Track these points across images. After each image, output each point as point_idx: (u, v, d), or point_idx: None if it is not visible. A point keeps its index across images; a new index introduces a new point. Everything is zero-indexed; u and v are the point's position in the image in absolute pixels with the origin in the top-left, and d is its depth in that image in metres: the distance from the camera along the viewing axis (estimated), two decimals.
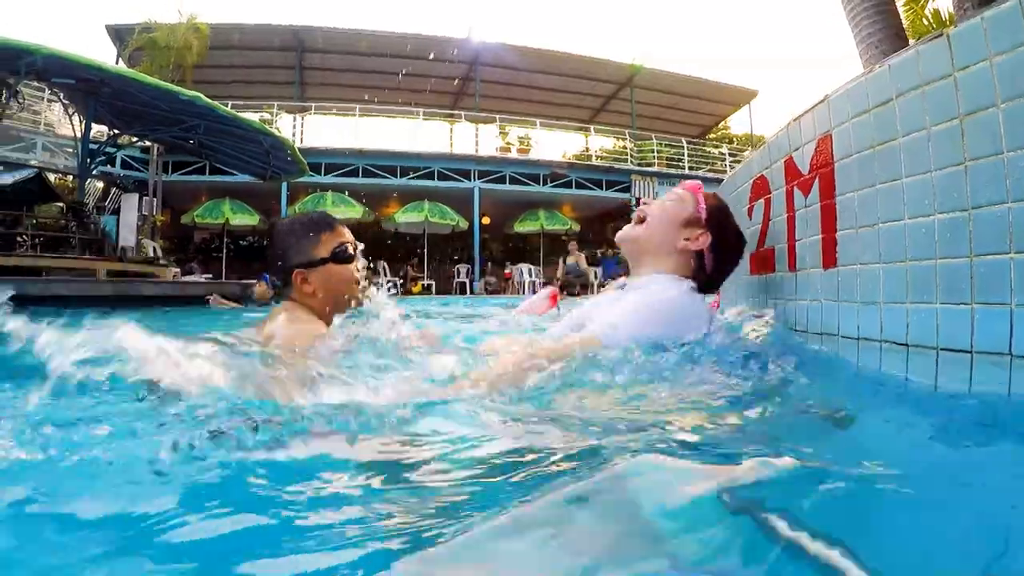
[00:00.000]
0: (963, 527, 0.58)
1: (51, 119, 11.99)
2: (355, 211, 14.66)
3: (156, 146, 12.37)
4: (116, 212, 11.03)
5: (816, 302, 1.36)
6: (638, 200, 13.76)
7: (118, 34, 15.00)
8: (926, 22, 7.71)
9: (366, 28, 16.32)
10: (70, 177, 12.04)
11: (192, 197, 15.21)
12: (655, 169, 17.80)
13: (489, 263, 17.49)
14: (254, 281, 7.37)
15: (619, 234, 1.62)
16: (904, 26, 5.53)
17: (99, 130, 9.58)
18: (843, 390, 1.15)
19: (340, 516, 0.61)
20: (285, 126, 16.74)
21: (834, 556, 0.49)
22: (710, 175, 17.34)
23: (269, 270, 1.45)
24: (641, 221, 1.58)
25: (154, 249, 10.81)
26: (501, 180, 16.04)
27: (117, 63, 13.69)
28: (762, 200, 1.73)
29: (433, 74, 17.57)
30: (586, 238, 17.57)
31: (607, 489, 0.63)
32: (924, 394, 0.97)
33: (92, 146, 8.97)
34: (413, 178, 15.40)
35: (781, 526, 0.54)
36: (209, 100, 7.83)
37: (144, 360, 0.81)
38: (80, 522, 0.61)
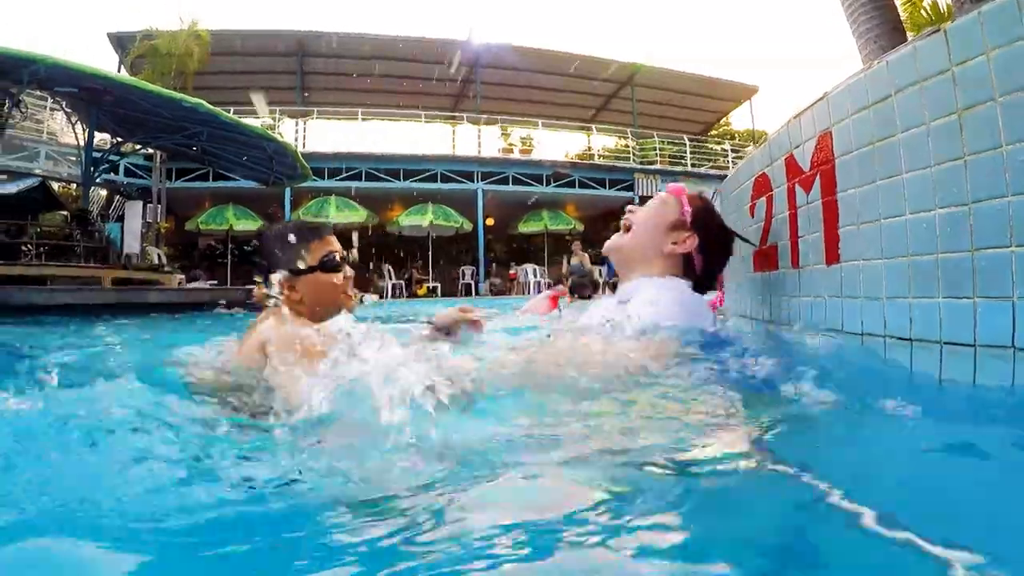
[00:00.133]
0: None
1: (54, 128, 12.05)
2: (359, 215, 14.68)
3: (159, 153, 12.43)
4: (120, 219, 11.07)
5: (820, 299, 1.36)
6: (642, 199, 13.73)
7: (120, 42, 15.07)
8: (925, 15, 7.66)
9: (367, 32, 16.36)
10: (74, 185, 12.11)
11: (196, 203, 15.25)
12: (658, 167, 17.77)
13: (494, 264, 17.48)
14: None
15: (607, 245, 1.63)
16: (903, 20, 5.51)
17: (102, 138, 9.61)
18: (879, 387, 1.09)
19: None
20: (287, 131, 16.80)
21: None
22: (713, 171, 17.33)
23: (256, 276, 1.45)
24: (627, 230, 1.59)
25: (159, 256, 10.86)
26: (504, 181, 16.05)
27: (119, 71, 13.74)
28: (764, 198, 1.73)
29: (434, 76, 17.60)
30: (590, 238, 17.54)
31: None
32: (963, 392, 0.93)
33: (95, 154, 9.01)
34: (416, 181, 15.41)
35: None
36: (212, 107, 7.86)
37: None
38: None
